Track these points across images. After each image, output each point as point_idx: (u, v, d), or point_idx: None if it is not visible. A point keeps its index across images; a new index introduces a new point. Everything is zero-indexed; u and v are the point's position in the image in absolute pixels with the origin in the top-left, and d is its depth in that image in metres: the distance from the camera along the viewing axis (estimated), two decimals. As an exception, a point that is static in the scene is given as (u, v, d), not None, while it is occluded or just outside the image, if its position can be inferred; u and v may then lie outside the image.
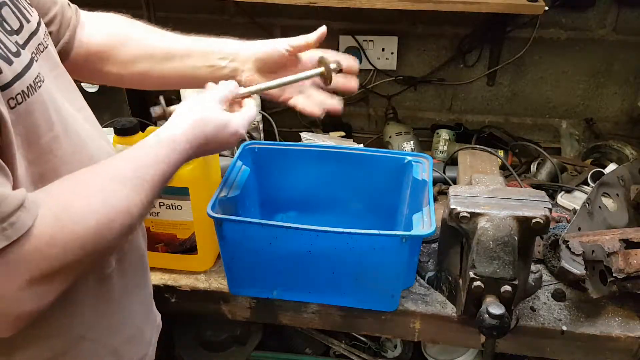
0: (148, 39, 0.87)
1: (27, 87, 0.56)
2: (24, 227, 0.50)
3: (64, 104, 0.65)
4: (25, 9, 0.64)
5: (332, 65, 0.85)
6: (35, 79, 0.57)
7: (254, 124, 1.53)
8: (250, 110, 0.81)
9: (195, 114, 0.73)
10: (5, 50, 0.54)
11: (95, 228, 0.56)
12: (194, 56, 0.87)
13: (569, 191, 1.40)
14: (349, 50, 1.62)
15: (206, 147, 0.74)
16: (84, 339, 0.70)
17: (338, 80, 0.88)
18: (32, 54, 0.61)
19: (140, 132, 1.10)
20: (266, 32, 1.65)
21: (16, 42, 0.58)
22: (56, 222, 0.53)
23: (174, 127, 0.71)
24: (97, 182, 0.59)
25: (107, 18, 0.88)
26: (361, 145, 1.44)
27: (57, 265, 0.53)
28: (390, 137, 1.60)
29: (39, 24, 0.66)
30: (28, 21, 0.63)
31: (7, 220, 0.49)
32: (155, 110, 0.82)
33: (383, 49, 1.62)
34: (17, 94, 0.54)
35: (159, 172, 0.65)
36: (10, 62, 0.54)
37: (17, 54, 0.56)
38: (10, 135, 0.54)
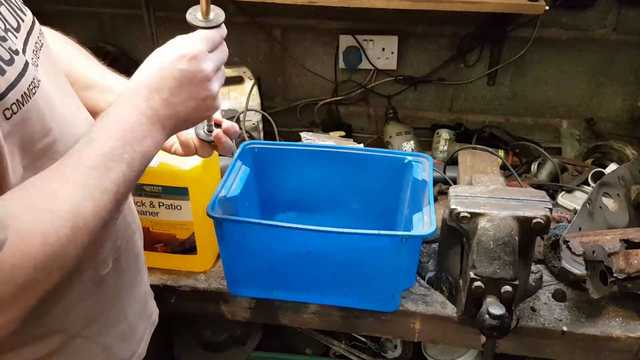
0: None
1: (22, 95, 0.54)
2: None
3: (62, 104, 0.64)
4: (19, 7, 0.64)
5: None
6: (29, 85, 0.55)
7: (253, 124, 1.53)
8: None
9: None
10: None
11: (58, 244, 0.51)
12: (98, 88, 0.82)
13: (569, 191, 1.40)
14: (349, 50, 1.62)
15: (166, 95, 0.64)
16: (77, 337, 0.70)
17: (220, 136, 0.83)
18: (32, 53, 0.61)
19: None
20: (266, 32, 1.64)
21: (9, 47, 0.55)
22: (17, 245, 0.48)
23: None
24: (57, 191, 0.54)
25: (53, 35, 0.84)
26: (361, 145, 1.44)
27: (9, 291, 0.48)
28: (390, 137, 1.60)
29: (33, 22, 0.66)
30: (23, 20, 0.63)
31: None
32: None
33: (383, 49, 1.62)
34: (12, 104, 0.52)
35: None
36: (3, 72, 0.52)
37: (11, 62, 0.54)
38: (3, 149, 0.52)
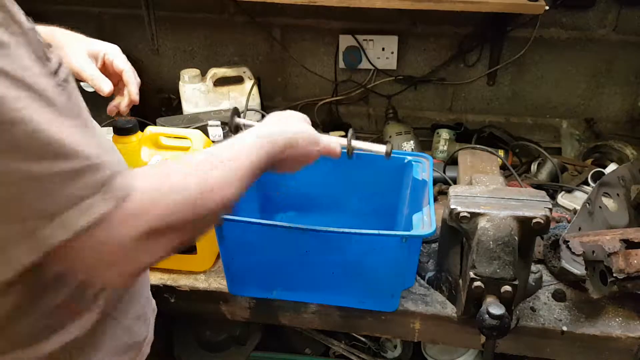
0: None
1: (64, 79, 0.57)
2: (131, 188, 0.53)
3: None
4: None
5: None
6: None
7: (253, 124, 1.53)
8: (333, 138, 0.87)
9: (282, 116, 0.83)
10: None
11: (195, 195, 0.59)
12: None
13: (569, 191, 1.40)
14: (349, 50, 1.62)
15: (291, 149, 0.78)
16: (108, 317, 0.73)
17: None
18: None
19: (139, 131, 1.10)
20: (266, 32, 1.64)
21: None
22: (157, 186, 0.57)
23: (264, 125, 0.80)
24: (191, 163, 0.64)
25: None
26: (361, 145, 1.44)
27: (163, 224, 0.56)
28: (390, 136, 1.60)
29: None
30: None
31: (111, 184, 0.52)
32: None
33: (383, 49, 1.62)
34: (62, 80, 0.56)
35: (247, 162, 0.69)
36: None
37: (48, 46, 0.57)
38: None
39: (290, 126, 0.80)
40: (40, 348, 0.65)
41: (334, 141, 0.86)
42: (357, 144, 0.90)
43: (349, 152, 0.89)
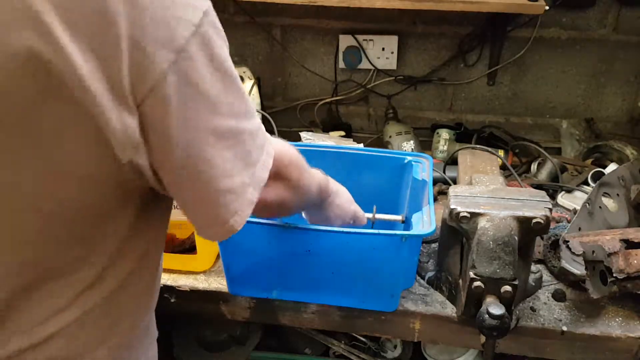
0: None
1: None
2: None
3: None
4: None
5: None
6: None
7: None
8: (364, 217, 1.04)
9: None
10: None
11: (308, 177, 0.77)
12: None
13: (569, 191, 1.40)
14: (349, 50, 1.62)
15: (336, 196, 0.96)
16: (150, 312, 0.75)
17: None
18: None
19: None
20: (266, 32, 1.64)
21: None
22: (280, 144, 0.72)
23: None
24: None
25: None
26: (361, 145, 1.44)
27: (285, 176, 0.71)
28: (390, 136, 1.60)
29: None
30: None
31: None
32: None
33: (383, 49, 1.62)
34: None
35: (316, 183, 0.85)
36: None
37: None
38: None
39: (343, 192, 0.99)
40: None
41: (362, 213, 1.02)
42: (379, 216, 1.07)
43: (373, 222, 1.06)
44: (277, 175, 0.68)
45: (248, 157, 0.60)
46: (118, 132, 0.49)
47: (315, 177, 0.83)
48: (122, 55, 0.46)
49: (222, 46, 0.54)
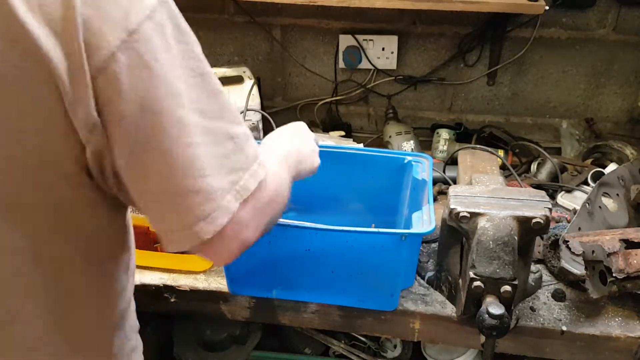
0: None
1: None
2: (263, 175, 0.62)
3: None
4: None
5: None
6: None
7: (253, 123, 1.53)
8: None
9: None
10: None
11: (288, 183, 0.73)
12: None
13: (569, 191, 1.40)
14: (349, 50, 1.62)
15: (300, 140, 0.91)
16: (130, 305, 0.77)
17: None
18: None
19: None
20: (266, 32, 1.65)
21: None
22: (272, 160, 0.69)
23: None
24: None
25: None
26: (361, 145, 1.44)
27: (267, 203, 0.65)
28: (390, 136, 1.60)
29: None
30: None
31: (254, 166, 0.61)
32: None
33: (383, 49, 1.62)
34: None
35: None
36: None
37: None
38: None
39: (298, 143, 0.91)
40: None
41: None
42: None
43: None
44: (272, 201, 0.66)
45: (225, 160, 0.57)
46: (77, 107, 0.51)
47: (286, 181, 0.75)
48: (77, 31, 0.49)
49: (187, 42, 0.55)
